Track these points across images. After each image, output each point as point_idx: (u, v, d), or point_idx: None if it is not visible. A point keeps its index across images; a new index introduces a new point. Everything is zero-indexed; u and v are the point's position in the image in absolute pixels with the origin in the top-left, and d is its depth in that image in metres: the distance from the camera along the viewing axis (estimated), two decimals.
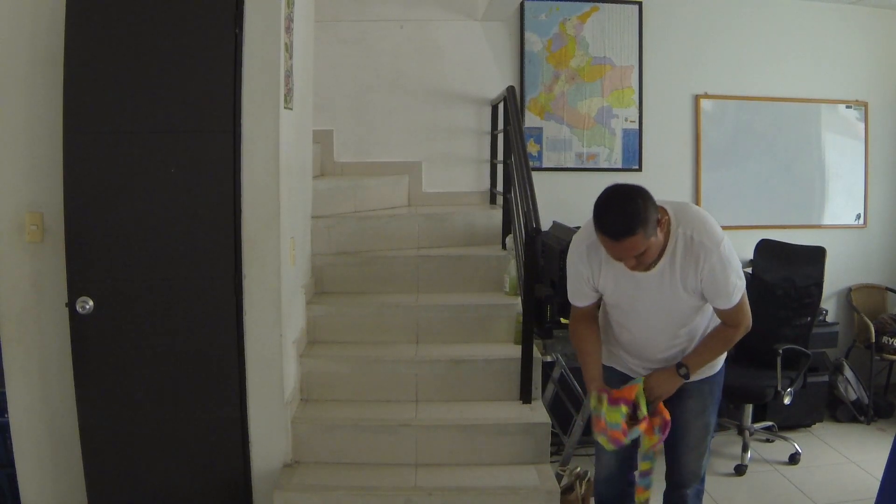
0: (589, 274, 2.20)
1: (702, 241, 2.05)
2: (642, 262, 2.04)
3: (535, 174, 3.20)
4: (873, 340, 4.35)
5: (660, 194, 4.87)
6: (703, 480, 2.45)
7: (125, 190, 2.55)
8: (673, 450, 2.40)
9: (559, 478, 2.98)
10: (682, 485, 2.44)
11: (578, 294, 2.29)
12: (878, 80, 4.71)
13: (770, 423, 3.97)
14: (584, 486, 2.98)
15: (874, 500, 2.23)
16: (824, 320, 4.42)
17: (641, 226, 1.92)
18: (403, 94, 4.26)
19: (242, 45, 2.55)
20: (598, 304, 2.33)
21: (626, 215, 1.93)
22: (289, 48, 2.79)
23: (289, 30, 2.79)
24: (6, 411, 2.69)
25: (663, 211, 2.07)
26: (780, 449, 3.82)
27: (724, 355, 2.34)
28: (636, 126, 4.51)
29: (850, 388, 4.30)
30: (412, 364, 3.08)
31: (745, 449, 3.64)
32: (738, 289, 2.09)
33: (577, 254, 2.22)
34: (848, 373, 4.33)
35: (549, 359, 3.41)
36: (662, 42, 4.50)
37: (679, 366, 2.18)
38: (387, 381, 3.10)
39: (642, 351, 2.29)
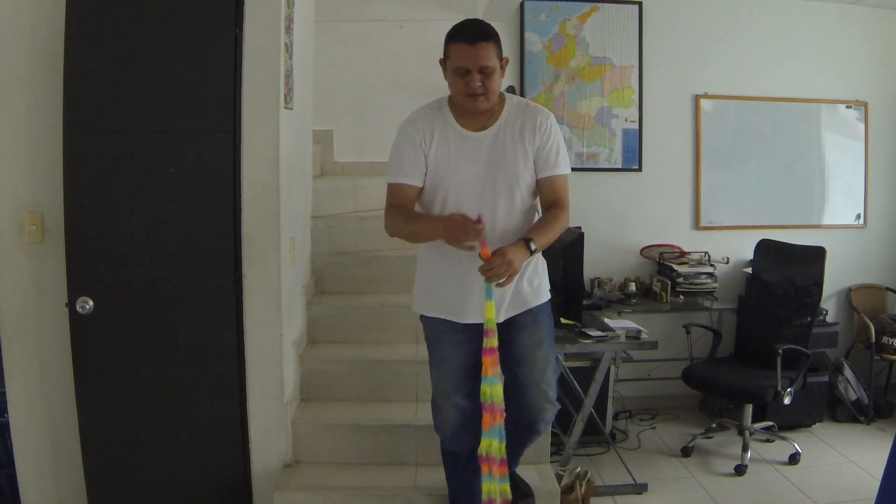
0: (420, 139, 2.18)
1: (536, 107, 2.22)
2: (486, 92, 2.08)
3: None
4: (873, 340, 4.35)
5: (660, 194, 4.91)
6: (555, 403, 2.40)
7: (125, 190, 2.55)
8: (519, 390, 2.32)
9: (559, 478, 2.98)
10: (533, 426, 2.37)
11: (402, 168, 2.20)
12: (878, 80, 4.71)
13: (770, 423, 3.97)
14: (584, 486, 2.98)
15: (874, 500, 2.23)
16: (824, 320, 4.41)
17: (494, 38, 2.09)
18: (403, 94, 4.25)
19: (242, 45, 2.55)
20: (416, 199, 2.27)
21: (481, 25, 2.12)
22: (289, 48, 2.79)
23: (289, 30, 2.79)
24: (6, 411, 2.69)
25: (507, 62, 2.18)
26: (780, 449, 3.82)
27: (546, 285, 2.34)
28: (636, 126, 4.51)
29: (850, 388, 4.30)
30: (412, 364, 3.08)
31: (745, 449, 3.64)
32: (564, 164, 2.22)
33: (411, 121, 2.23)
34: (848, 373, 4.33)
35: None
36: (662, 42, 4.50)
37: (525, 240, 2.06)
38: (387, 381, 3.10)
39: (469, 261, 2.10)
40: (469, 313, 2.23)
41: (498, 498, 2.08)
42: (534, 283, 2.31)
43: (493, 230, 2.13)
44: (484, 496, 2.11)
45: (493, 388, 2.07)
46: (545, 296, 2.35)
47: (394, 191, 2.23)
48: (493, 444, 2.07)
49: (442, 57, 2.15)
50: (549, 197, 2.23)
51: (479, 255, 2.00)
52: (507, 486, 2.11)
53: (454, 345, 2.30)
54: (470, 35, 2.06)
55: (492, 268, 1.96)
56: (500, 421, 2.07)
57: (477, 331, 2.15)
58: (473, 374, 2.20)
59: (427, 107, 2.25)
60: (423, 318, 2.37)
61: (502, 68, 2.14)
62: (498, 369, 2.11)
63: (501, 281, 2.00)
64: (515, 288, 2.23)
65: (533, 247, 2.06)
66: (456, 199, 2.18)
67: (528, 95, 4.41)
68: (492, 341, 2.06)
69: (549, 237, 2.15)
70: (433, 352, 2.38)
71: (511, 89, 3.62)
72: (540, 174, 2.19)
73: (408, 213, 2.21)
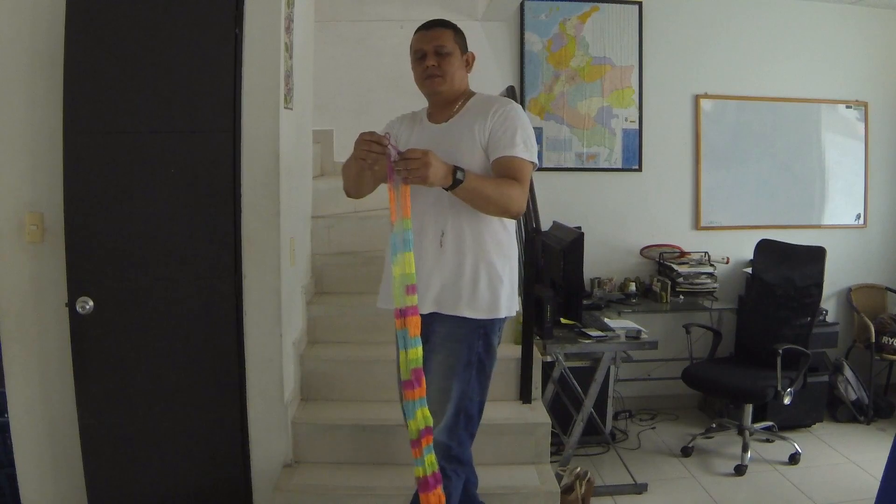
0: (396, 130, 2.25)
1: (500, 98, 2.22)
2: (443, 74, 2.11)
3: (535, 174, 3.19)
4: (873, 340, 4.35)
5: (660, 194, 4.90)
6: (462, 463, 2.09)
7: (125, 190, 2.55)
8: None
9: (559, 478, 2.98)
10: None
11: None
12: (878, 80, 4.71)
13: (770, 423, 3.97)
14: (584, 486, 2.98)
15: (874, 500, 2.23)
16: (824, 320, 4.41)
17: (454, 29, 2.17)
18: (403, 94, 4.22)
19: (242, 45, 2.56)
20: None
21: (440, 19, 2.20)
22: (289, 48, 2.79)
23: (289, 30, 2.79)
24: (6, 411, 2.69)
25: (472, 58, 2.22)
26: (780, 449, 3.82)
27: (509, 293, 2.09)
28: (636, 126, 4.51)
29: (850, 388, 4.30)
30: None
31: (745, 449, 3.64)
32: (522, 148, 2.02)
33: (393, 118, 2.34)
34: (848, 373, 4.33)
35: (549, 359, 3.40)
36: (662, 42, 4.50)
37: (457, 168, 1.89)
38: (387, 381, 3.09)
39: (420, 240, 2.01)
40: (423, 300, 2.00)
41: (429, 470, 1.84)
42: (486, 284, 2.06)
43: (444, 221, 2.04)
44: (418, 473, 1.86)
45: (415, 351, 1.80)
46: (501, 310, 2.08)
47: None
48: (423, 413, 1.82)
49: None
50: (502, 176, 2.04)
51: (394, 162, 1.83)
52: (426, 411, 1.83)
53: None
54: (427, 23, 2.19)
55: (406, 157, 1.80)
56: (421, 393, 1.81)
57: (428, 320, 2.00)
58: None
59: (413, 111, 2.33)
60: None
61: (468, 63, 2.20)
62: (418, 329, 1.82)
63: (407, 176, 1.81)
64: (457, 272, 2.04)
65: (460, 175, 1.88)
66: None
67: (528, 95, 4.41)
68: (412, 298, 1.81)
69: (485, 186, 1.94)
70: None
71: (511, 89, 3.61)
72: (492, 156, 2.05)
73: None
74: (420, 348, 1.80)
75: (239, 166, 2.59)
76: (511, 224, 2.15)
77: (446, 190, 1.90)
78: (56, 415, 2.66)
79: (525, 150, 2.04)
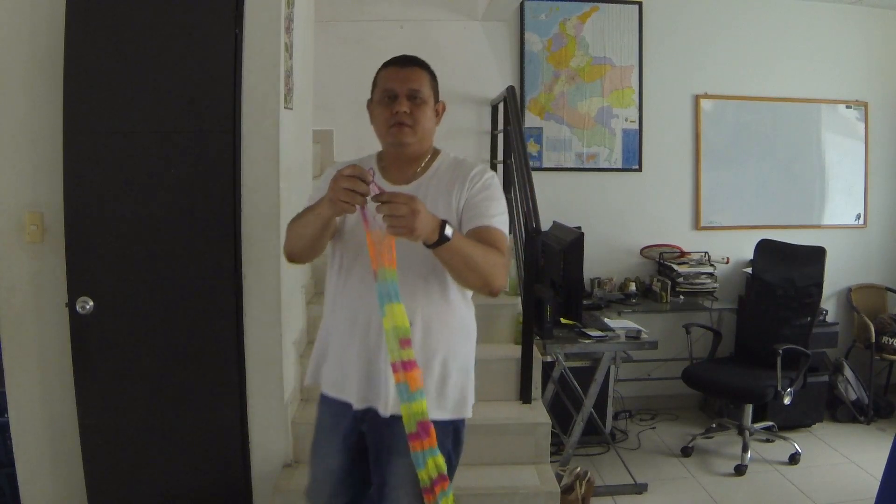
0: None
1: (471, 163, 1.88)
2: (414, 124, 1.76)
3: (535, 174, 3.20)
4: (873, 340, 4.35)
5: (660, 194, 4.90)
6: None
7: (125, 190, 2.55)
8: None
9: (559, 478, 2.97)
10: None
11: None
12: (878, 80, 4.71)
13: (770, 423, 3.97)
14: (584, 486, 2.98)
15: (874, 500, 2.23)
16: (824, 320, 4.42)
17: (429, 70, 1.84)
18: None
19: (242, 45, 2.55)
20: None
21: (416, 57, 1.86)
22: (289, 48, 2.79)
23: (289, 30, 2.79)
24: (6, 411, 2.69)
25: (443, 108, 1.89)
26: (780, 449, 3.82)
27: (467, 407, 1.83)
28: (636, 126, 4.51)
29: (850, 388, 4.30)
30: None
31: (745, 449, 3.65)
32: (501, 220, 1.77)
33: (338, 164, 1.81)
34: (848, 373, 4.33)
35: (549, 359, 3.41)
36: (662, 42, 4.50)
37: (444, 222, 1.56)
38: None
39: (367, 326, 1.74)
40: (373, 394, 1.76)
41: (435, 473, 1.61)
42: (455, 381, 1.80)
43: (413, 309, 1.69)
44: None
45: (418, 405, 1.58)
46: (468, 408, 1.84)
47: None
48: (435, 461, 1.60)
49: (369, 98, 1.87)
50: None
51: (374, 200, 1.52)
52: (440, 459, 1.61)
53: (342, 439, 1.83)
54: (401, 59, 1.84)
55: (391, 202, 1.47)
56: (431, 443, 1.59)
57: (375, 422, 1.76)
58: (354, 482, 1.84)
59: (359, 158, 1.93)
60: (321, 397, 1.89)
61: (437, 113, 1.86)
62: (420, 383, 1.59)
63: (393, 224, 1.48)
64: (425, 372, 1.70)
65: (448, 231, 1.55)
66: (354, 259, 1.78)
67: (528, 95, 4.42)
68: (408, 352, 1.56)
69: (472, 250, 1.62)
70: (317, 442, 1.90)
71: (511, 89, 3.61)
72: (468, 224, 1.73)
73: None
74: (424, 401, 1.57)
75: (239, 166, 2.58)
76: (469, 296, 1.86)
77: (428, 247, 1.56)
78: (56, 415, 2.66)
79: (504, 223, 1.79)
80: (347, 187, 1.50)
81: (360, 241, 1.65)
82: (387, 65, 1.85)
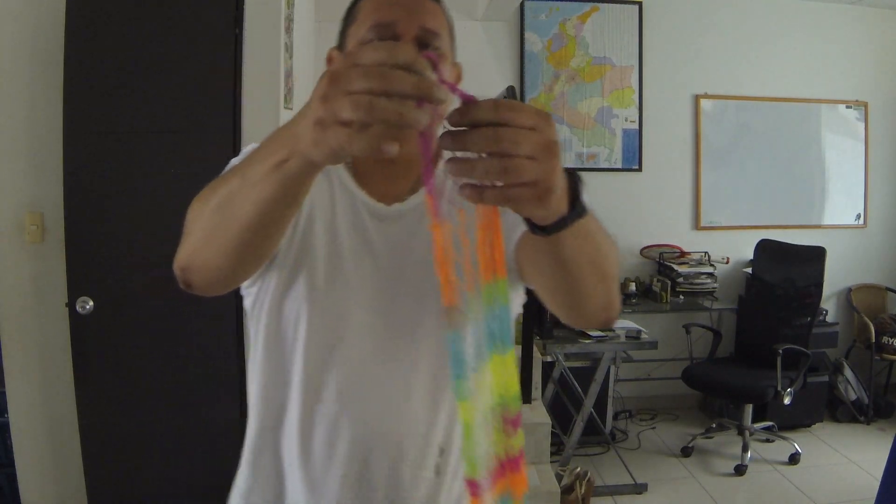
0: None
1: None
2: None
3: None
4: (873, 340, 4.35)
5: (660, 194, 4.89)
6: None
7: (125, 190, 2.55)
8: None
9: (559, 478, 2.98)
10: None
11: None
12: (878, 80, 4.71)
13: (770, 423, 3.97)
14: (584, 486, 2.99)
15: (874, 500, 2.23)
16: (824, 320, 4.42)
17: (445, 8, 1.04)
18: None
19: (242, 45, 2.55)
20: None
21: None
22: (289, 48, 2.79)
23: (289, 30, 2.79)
24: (6, 411, 2.69)
25: (460, 73, 1.14)
26: (780, 449, 3.82)
27: None
28: (636, 126, 4.51)
29: (850, 388, 4.30)
30: None
31: (745, 449, 3.65)
32: None
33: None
34: (848, 373, 4.33)
35: (549, 359, 3.41)
36: (662, 42, 4.50)
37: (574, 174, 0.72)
38: None
39: (399, 458, 0.98)
40: None
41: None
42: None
43: (451, 424, 1.00)
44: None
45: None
46: None
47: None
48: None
49: (334, 46, 1.10)
50: None
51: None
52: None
53: None
54: None
55: (502, 120, 0.61)
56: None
57: None
58: None
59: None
60: None
61: (452, 83, 0.74)
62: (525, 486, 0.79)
63: (511, 179, 0.61)
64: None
65: (584, 197, 0.72)
66: (327, 333, 0.98)
67: (528, 95, 4.41)
68: (518, 439, 0.75)
69: (602, 235, 0.83)
70: None
71: (511, 89, 3.61)
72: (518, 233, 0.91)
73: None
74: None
75: None
76: None
77: (543, 232, 0.72)
78: (56, 415, 2.66)
79: None
80: (380, 88, 0.58)
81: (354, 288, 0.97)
82: None
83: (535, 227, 0.71)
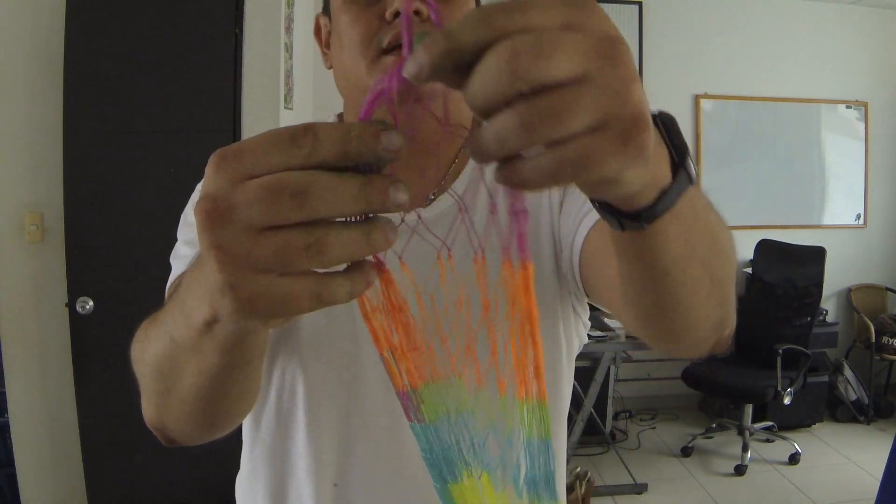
0: None
1: None
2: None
3: None
4: (873, 340, 4.35)
5: None
6: None
7: (125, 190, 2.55)
8: None
9: None
10: None
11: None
12: (878, 80, 4.71)
13: (770, 423, 3.97)
14: (584, 486, 2.99)
15: (874, 500, 2.23)
16: (824, 320, 4.42)
17: None
18: None
19: (242, 45, 2.56)
20: None
21: None
22: (289, 48, 2.79)
23: (289, 30, 2.79)
24: (6, 411, 2.69)
25: None
26: (780, 449, 3.82)
27: None
28: None
29: (850, 388, 4.30)
30: None
31: (745, 449, 3.64)
32: None
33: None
34: (848, 373, 4.33)
35: None
36: (662, 42, 4.50)
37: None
38: None
39: None
40: None
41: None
42: None
43: None
44: None
45: None
46: None
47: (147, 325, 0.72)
48: None
49: (320, 12, 0.93)
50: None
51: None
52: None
53: None
54: None
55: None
56: None
57: None
58: None
59: None
60: None
61: None
62: None
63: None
64: None
65: (690, 166, 0.48)
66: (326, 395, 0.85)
67: None
68: None
69: (710, 207, 0.60)
70: None
71: None
72: (587, 222, 0.76)
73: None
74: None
75: None
76: None
77: (636, 221, 0.45)
78: (56, 415, 2.66)
79: None
80: (290, 215, 0.37)
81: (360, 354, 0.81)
82: None
83: (621, 218, 0.44)
